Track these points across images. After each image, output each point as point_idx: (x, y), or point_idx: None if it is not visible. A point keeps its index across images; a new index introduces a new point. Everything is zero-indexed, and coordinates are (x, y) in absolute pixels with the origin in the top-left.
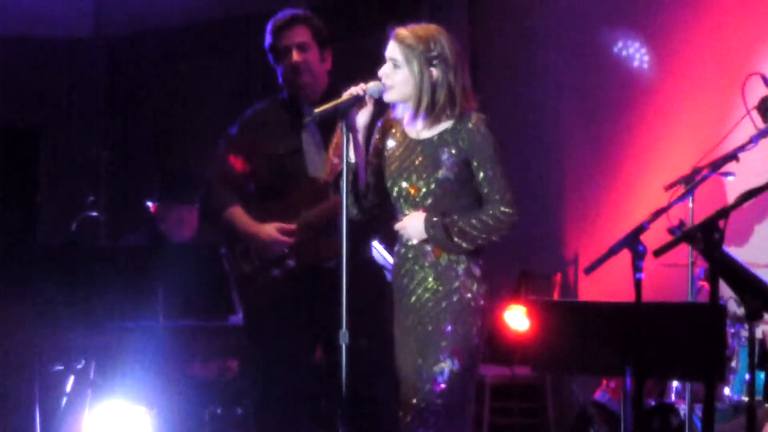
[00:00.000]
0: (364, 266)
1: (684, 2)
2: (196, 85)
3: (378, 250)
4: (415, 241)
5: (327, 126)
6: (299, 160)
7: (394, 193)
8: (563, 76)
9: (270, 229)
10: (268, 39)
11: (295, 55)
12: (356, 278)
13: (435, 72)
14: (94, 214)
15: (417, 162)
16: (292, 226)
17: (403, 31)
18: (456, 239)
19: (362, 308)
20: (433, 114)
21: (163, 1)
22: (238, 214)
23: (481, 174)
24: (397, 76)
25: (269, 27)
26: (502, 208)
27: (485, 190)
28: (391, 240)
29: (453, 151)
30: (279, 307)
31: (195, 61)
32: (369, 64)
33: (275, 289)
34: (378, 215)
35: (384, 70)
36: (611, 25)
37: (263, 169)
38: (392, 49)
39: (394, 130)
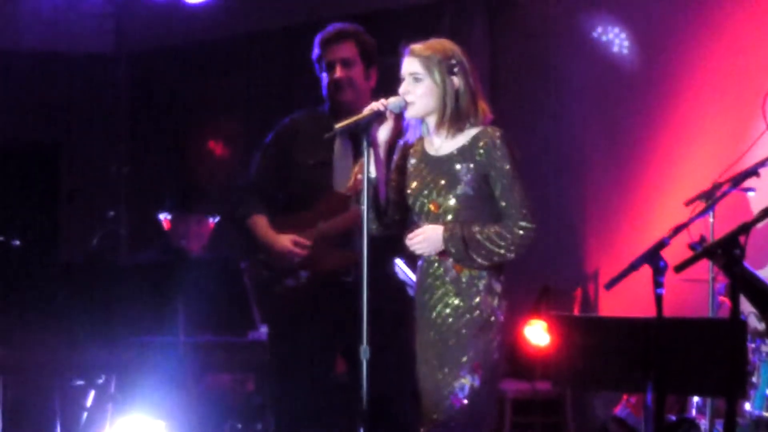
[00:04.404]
0: (383, 281)
1: (704, 19)
2: (216, 102)
3: (401, 268)
4: (435, 256)
5: (360, 141)
6: (326, 174)
7: (416, 210)
8: (583, 90)
9: (284, 240)
10: (314, 51)
11: (338, 71)
12: (375, 293)
13: (456, 80)
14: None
15: (436, 178)
16: (307, 241)
17: (418, 46)
18: (473, 253)
19: (381, 323)
20: (457, 123)
21: (184, 18)
22: (259, 223)
23: (499, 188)
24: (419, 89)
25: (317, 39)
26: (521, 223)
27: (503, 204)
28: (415, 257)
29: (471, 166)
30: (297, 319)
31: (216, 77)
32: (390, 82)
33: (292, 300)
34: (400, 233)
35: (405, 87)
36: (632, 40)
37: (292, 179)
38: (410, 64)
39: (414, 149)
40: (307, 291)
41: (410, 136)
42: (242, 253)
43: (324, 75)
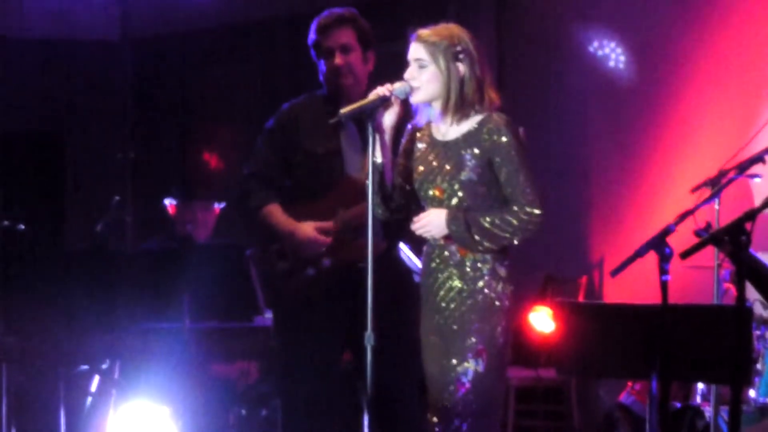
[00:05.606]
0: (394, 266)
1: (710, 8)
2: (221, 89)
3: (405, 252)
4: (440, 240)
5: (364, 126)
6: (339, 161)
7: (422, 195)
8: (588, 78)
9: (308, 229)
10: (311, 36)
11: (338, 58)
12: (386, 278)
13: (461, 67)
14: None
15: (442, 163)
16: (330, 225)
17: (425, 31)
18: (477, 237)
19: (389, 309)
20: (462, 110)
21: (189, 5)
22: (275, 212)
23: (504, 174)
24: (423, 75)
25: (314, 24)
26: (527, 208)
27: (509, 190)
28: (420, 242)
29: (476, 152)
30: (312, 307)
31: (221, 64)
32: (396, 68)
33: (309, 289)
34: (407, 218)
35: (410, 73)
36: (637, 29)
37: (302, 167)
38: (416, 50)
39: (421, 134)
40: (327, 279)
41: (420, 120)
42: (254, 244)
43: (322, 61)
